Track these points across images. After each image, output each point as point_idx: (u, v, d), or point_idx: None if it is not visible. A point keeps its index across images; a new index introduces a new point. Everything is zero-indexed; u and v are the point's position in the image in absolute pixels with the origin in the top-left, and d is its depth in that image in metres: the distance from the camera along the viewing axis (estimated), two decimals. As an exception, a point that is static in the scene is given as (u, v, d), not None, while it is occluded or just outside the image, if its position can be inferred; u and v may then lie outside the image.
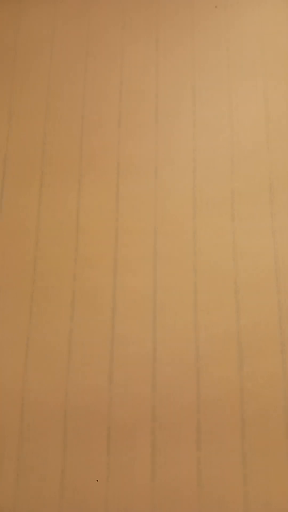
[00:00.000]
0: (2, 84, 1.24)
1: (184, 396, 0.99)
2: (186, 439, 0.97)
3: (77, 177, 1.16)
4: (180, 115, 1.18)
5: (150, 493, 0.96)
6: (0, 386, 1.04)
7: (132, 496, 0.96)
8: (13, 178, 1.17)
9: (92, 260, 1.10)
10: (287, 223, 1.08)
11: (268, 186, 1.11)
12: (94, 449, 0.99)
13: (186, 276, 1.07)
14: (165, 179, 1.13)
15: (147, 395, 1.00)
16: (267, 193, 1.10)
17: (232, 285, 1.06)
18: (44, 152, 1.18)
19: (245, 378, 0.99)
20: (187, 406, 0.99)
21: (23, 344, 1.06)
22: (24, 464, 0.99)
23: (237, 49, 1.22)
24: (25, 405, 1.03)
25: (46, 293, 1.08)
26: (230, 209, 1.10)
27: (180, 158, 1.15)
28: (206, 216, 1.10)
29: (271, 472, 0.94)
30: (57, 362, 1.04)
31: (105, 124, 1.19)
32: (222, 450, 0.96)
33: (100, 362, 1.03)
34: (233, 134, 1.15)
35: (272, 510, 0.93)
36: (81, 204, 1.14)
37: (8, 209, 1.15)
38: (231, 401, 0.98)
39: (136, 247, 1.10)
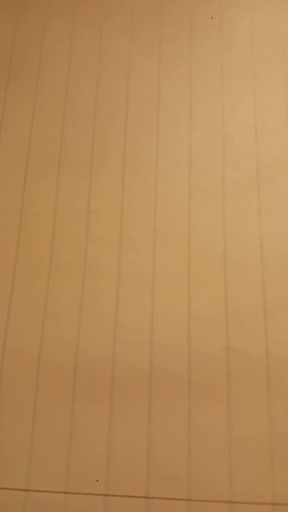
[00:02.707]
0: (27, 89, 1.43)
1: (177, 352, 1.14)
2: (179, 389, 1.12)
3: (88, 169, 1.33)
4: (179, 114, 1.36)
5: (147, 434, 1.11)
6: (19, 346, 1.21)
7: (130, 435, 1.11)
8: (34, 170, 1.35)
9: (101, 239, 1.27)
10: (271, 205, 1.23)
11: (255, 174, 1.27)
12: (99, 397, 1.14)
13: (181, 252, 1.23)
14: (164, 169, 1.30)
15: (146, 352, 1.15)
16: (254, 180, 1.26)
17: (222, 259, 1.21)
18: (61, 147, 1.37)
19: (231, 338, 1.14)
20: (180, 361, 1.14)
21: (41, 310, 1.23)
22: (39, 416, 1.15)
23: (230, 56, 1.39)
24: (41, 363, 1.19)
25: (62, 267, 1.25)
26: (221, 194, 1.26)
27: (178, 151, 1.32)
28: (200, 200, 1.26)
29: (252, 419, 1.08)
30: (69, 324, 1.21)
31: (114, 124, 1.37)
32: (209, 399, 1.11)
33: (106, 324, 1.19)
34: (225, 130, 1.32)
35: (252, 453, 1.07)
36: (92, 192, 1.31)
37: (29, 196, 1.34)
38: (218, 358, 1.13)
39: (139, 228, 1.26)
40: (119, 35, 1.46)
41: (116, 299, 1.21)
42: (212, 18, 1.42)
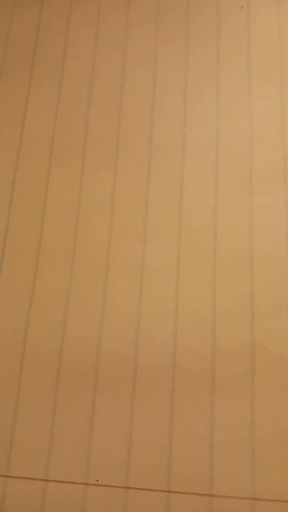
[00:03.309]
0: (52, 81, 1.43)
1: (201, 346, 1.13)
2: (202, 384, 1.11)
3: (113, 159, 1.32)
4: (206, 105, 1.33)
5: (169, 430, 1.10)
6: (40, 338, 1.21)
7: (151, 429, 1.10)
8: (57, 159, 1.35)
9: (125, 231, 1.25)
10: (300, 199, 1.21)
11: (283, 166, 1.24)
12: (121, 390, 1.13)
13: (207, 244, 1.21)
14: (190, 160, 1.28)
15: (169, 344, 1.14)
16: (282, 172, 1.23)
17: (248, 253, 1.18)
18: (86, 137, 1.36)
19: (256, 333, 1.12)
20: (204, 355, 1.12)
21: (64, 301, 1.22)
22: (61, 399, 1.15)
23: (257, 47, 1.36)
24: (63, 354, 1.19)
25: (84, 260, 1.25)
26: (248, 186, 1.24)
27: (205, 142, 1.30)
28: (227, 192, 1.24)
29: (276, 414, 1.06)
30: (91, 318, 1.20)
31: (140, 114, 1.36)
32: (233, 394, 1.09)
33: (129, 318, 1.18)
34: (252, 121, 1.29)
35: (277, 447, 1.05)
36: (116, 182, 1.30)
37: (54, 186, 1.33)
38: (243, 352, 1.11)
39: (163, 220, 1.25)
40: (145, 23, 1.44)
41: (139, 293, 1.20)
42: (242, 7, 1.39)
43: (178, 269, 1.20)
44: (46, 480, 1.11)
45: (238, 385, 1.10)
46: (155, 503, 1.06)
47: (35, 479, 1.11)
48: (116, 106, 1.37)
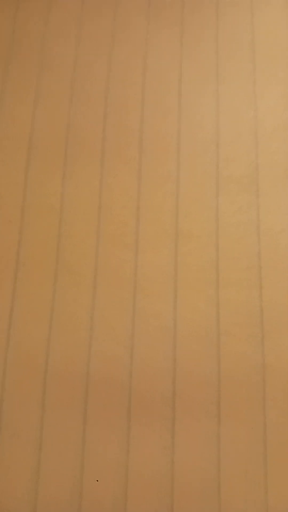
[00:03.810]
0: (31, 68, 1.27)
1: (204, 370, 0.99)
2: (207, 413, 0.96)
3: (99, 157, 1.17)
4: (203, 95, 1.18)
5: (170, 463, 0.96)
6: (24, 355, 1.07)
7: (150, 465, 0.96)
8: (38, 158, 1.19)
9: (114, 237, 1.11)
10: (312, 199, 1.06)
11: (292, 162, 1.09)
12: (114, 418, 0.99)
13: (208, 252, 1.06)
14: (187, 157, 1.14)
15: (168, 368, 1.00)
16: (291, 169, 1.09)
17: (256, 261, 1.04)
18: (68, 134, 1.20)
19: (267, 353, 0.98)
20: (207, 380, 0.98)
21: (47, 316, 1.08)
22: (47, 431, 1.01)
23: (261, 35, 1.21)
24: (48, 374, 1.05)
25: (69, 270, 1.10)
26: (255, 186, 1.09)
27: (203, 136, 1.15)
28: (230, 192, 1.09)
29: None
30: (80, 334, 1.06)
31: (128, 106, 1.21)
32: (242, 424, 0.95)
33: (121, 336, 1.04)
34: (257, 112, 1.15)
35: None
36: (103, 184, 1.15)
37: (31, 189, 1.18)
38: (252, 376, 0.97)
39: (158, 224, 1.10)
40: (136, 9, 1.28)
41: (132, 307, 1.05)
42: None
43: (175, 280, 1.06)
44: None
45: (247, 413, 0.96)
46: None
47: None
48: (101, 98, 1.22)
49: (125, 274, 1.08)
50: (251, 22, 1.22)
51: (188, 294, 1.04)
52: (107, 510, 0.97)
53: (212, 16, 1.25)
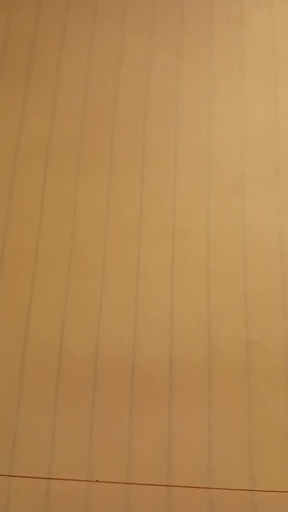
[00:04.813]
0: (47, 85, 1.44)
1: (196, 346, 1.17)
2: (199, 383, 1.14)
3: (108, 165, 1.35)
4: (198, 111, 1.37)
5: (168, 427, 1.13)
6: (42, 337, 1.23)
7: (152, 429, 1.13)
8: (53, 166, 1.37)
9: (120, 234, 1.28)
10: (289, 201, 1.25)
11: (274, 169, 1.28)
12: (119, 392, 1.16)
13: (201, 247, 1.24)
14: (183, 165, 1.32)
15: (166, 346, 1.18)
16: (273, 175, 1.27)
17: (241, 254, 1.23)
18: (80, 144, 1.38)
19: (250, 331, 1.16)
20: (200, 354, 1.16)
21: (62, 302, 1.25)
22: (60, 403, 1.17)
23: (250, 53, 1.39)
24: (62, 353, 1.21)
25: (81, 262, 1.27)
26: (240, 190, 1.28)
27: (197, 147, 1.33)
28: (219, 195, 1.28)
29: (273, 410, 1.11)
30: (90, 318, 1.22)
31: (133, 120, 1.39)
32: (230, 392, 1.13)
33: (126, 318, 1.21)
34: (244, 126, 1.33)
35: (274, 441, 1.09)
36: (111, 187, 1.33)
37: (50, 193, 1.35)
38: (238, 352, 1.15)
39: (157, 223, 1.28)
40: (139, 32, 1.47)
41: (136, 294, 1.23)
42: (229, 19, 1.43)
43: (173, 271, 1.23)
44: (49, 478, 1.13)
45: (234, 382, 1.13)
46: (156, 498, 1.08)
47: (39, 477, 1.13)
48: (110, 113, 1.40)
49: (129, 266, 1.25)
50: (241, 49, 1.40)
51: (183, 282, 1.22)
52: (114, 467, 1.11)
53: (205, 41, 1.43)
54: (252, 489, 1.07)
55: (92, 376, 1.17)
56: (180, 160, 1.33)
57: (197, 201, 1.28)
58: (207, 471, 1.09)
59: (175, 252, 1.25)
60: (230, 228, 1.25)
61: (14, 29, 1.54)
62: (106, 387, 1.16)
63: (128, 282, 1.24)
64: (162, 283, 1.23)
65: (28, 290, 1.27)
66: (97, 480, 1.10)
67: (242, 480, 1.08)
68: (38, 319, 1.24)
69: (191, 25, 1.46)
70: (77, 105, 1.42)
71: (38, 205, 1.34)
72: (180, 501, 1.08)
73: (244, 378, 1.14)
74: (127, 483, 1.10)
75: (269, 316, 1.17)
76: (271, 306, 1.17)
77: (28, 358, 1.21)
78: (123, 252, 1.26)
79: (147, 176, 1.32)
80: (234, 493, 1.07)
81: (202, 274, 1.22)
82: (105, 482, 1.11)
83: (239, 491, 1.07)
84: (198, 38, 1.44)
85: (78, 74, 1.46)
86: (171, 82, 1.41)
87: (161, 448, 1.11)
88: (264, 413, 1.11)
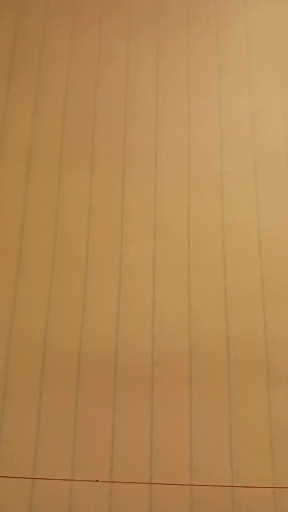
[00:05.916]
0: (28, 87, 1.46)
1: (177, 342, 1.17)
2: (180, 378, 1.15)
3: (89, 163, 1.36)
4: (177, 110, 1.39)
5: (150, 424, 1.13)
6: (26, 333, 1.23)
7: (134, 426, 1.13)
8: (37, 165, 1.38)
9: (102, 232, 1.29)
10: (268, 198, 1.26)
11: (252, 168, 1.30)
12: (102, 386, 1.16)
13: (181, 244, 1.25)
14: (163, 163, 1.34)
15: (148, 341, 1.18)
16: (251, 174, 1.29)
17: (221, 251, 1.24)
18: (62, 145, 1.40)
19: (230, 327, 1.17)
20: (181, 350, 1.17)
21: (46, 299, 1.25)
22: (45, 398, 1.17)
23: (225, 52, 1.42)
24: (46, 348, 1.22)
25: (64, 261, 1.28)
26: (219, 187, 1.29)
27: (177, 146, 1.35)
28: (199, 193, 1.29)
29: (253, 406, 1.11)
30: (74, 314, 1.23)
31: (113, 120, 1.40)
32: (210, 387, 1.13)
33: (108, 315, 1.22)
34: (222, 124, 1.35)
35: (253, 437, 1.09)
36: (92, 186, 1.34)
37: (31, 193, 1.37)
38: (218, 347, 1.16)
39: (139, 221, 1.29)
40: (118, 34, 1.49)
41: (118, 291, 1.24)
42: (208, 19, 1.45)
43: (154, 268, 1.24)
44: (33, 478, 1.13)
45: (215, 378, 1.14)
46: (139, 495, 1.09)
47: (23, 477, 1.13)
48: (90, 113, 1.42)
49: (111, 262, 1.26)
50: (217, 48, 1.43)
51: (164, 278, 1.23)
52: (97, 465, 1.12)
53: (183, 41, 1.45)
54: (233, 485, 1.07)
55: (76, 373, 1.18)
56: (161, 159, 1.34)
57: (177, 199, 1.30)
58: (189, 468, 1.09)
59: (157, 249, 1.26)
60: (210, 225, 1.26)
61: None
62: (90, 384, 1.17)
63: (110, 279, 1.25)
64: (144, 280, 1.23)
65: (12, 288, 1.27)
66: (97, 480, 1.10)
67: (223, 476, 1.08)
68: (21, 317, 1.24)
69: (169, 25, 1.48)
70: (58, 106, 1.44)
71: (21, 204, 1.35)
72: (162, 499, 1.08)
73: (225, 375, 1.14)
74: (110, 482, 1.10)
75: (249, 312, 1.17)
76: (251, 302, 1.18)
77: (11, 356, 1.21)
78: (105, 250, 1.27)
79: (128, 174, 1.34)
80: (215, 489, 1.07)
81: (183, 271, 1.23)
82: (88, 481, 1.11)
83: (221, 487, 1.07)
84: (176, 38, 1.47)
85: (59, 75, 1.47)
86: (150, 82, 1.43)
87: (144, 446, 1.11)
88: (244, 409, 1.11)
